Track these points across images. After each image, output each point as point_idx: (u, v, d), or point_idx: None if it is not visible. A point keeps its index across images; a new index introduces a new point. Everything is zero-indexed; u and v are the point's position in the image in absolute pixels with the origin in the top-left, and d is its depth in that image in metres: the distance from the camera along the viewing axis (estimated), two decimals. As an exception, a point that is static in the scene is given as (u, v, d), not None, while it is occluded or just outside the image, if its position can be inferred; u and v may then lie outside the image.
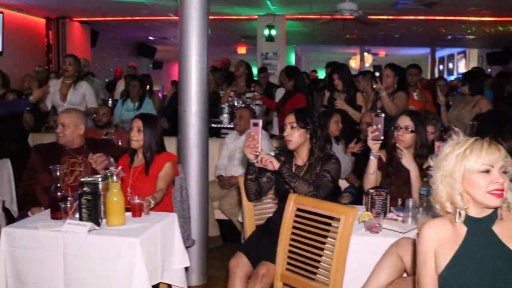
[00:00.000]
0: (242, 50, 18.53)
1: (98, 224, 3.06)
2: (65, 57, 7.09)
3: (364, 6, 9.58)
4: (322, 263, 3.07)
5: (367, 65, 19.12)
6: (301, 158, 3.59)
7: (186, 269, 3.61)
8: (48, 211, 3.40)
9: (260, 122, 3.46)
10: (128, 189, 3.69)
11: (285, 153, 3.69)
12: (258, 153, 3.43)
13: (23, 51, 11.83)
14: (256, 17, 12.49)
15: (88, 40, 14.21)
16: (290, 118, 3.55)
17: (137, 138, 3.87)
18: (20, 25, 11.95)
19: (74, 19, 13.17)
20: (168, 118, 7.14)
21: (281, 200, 3.52)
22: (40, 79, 8.34)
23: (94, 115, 6.26)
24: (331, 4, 9.61)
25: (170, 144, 4.14)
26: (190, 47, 4.41)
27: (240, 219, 4.78)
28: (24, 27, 12.15)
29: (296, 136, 3.51)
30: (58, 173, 3.32)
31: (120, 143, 5.40)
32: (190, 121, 4.44)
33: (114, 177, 3.09)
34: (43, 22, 12.82)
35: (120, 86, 10.04)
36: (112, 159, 3.77)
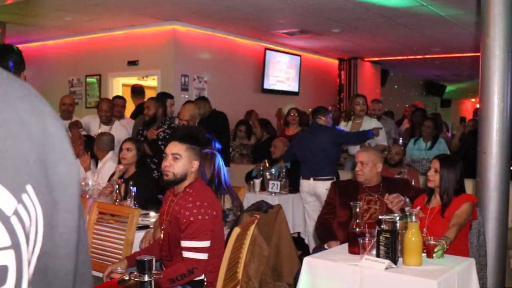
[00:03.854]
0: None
1: (395, 262, 3.08)
2: (355, 96, 7.21)
3: None
4: None
5: None
6: None
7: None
8: (344, 245, 3.53)
9: None
10: (424, 229, 3.65)
11: None
12: None
13: (316, 91, 12.52)
14: None
15: (378, 79, 14.49)
16: None
17: (433, 179, 3.84)
18: (315, 66, 12.67)
19: (366, 59, 13.58)
20: (462, 159, 6.89)
21: None
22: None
23: (385, 153, 6.34)
24: None
25: (465, 185, 4.00)
26: (492, 86, 4.25)
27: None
28: (318, 68, 12.85)
29: None
30: (358, 210, 3.45)
31: (412, 183, 5.38)
32: (490, 163, 4.26)
33: (414, 217, 3.09)
34: (336, 63, 13.46)
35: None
36: (407, 200, 3.78)
